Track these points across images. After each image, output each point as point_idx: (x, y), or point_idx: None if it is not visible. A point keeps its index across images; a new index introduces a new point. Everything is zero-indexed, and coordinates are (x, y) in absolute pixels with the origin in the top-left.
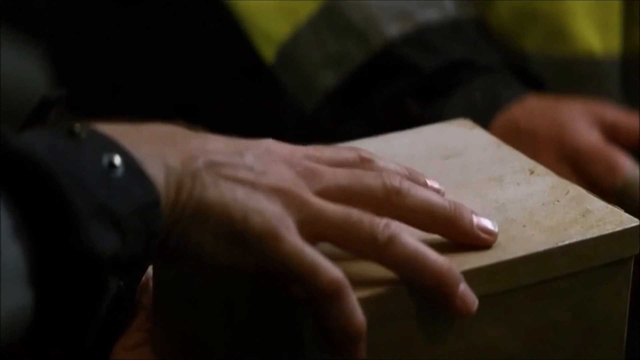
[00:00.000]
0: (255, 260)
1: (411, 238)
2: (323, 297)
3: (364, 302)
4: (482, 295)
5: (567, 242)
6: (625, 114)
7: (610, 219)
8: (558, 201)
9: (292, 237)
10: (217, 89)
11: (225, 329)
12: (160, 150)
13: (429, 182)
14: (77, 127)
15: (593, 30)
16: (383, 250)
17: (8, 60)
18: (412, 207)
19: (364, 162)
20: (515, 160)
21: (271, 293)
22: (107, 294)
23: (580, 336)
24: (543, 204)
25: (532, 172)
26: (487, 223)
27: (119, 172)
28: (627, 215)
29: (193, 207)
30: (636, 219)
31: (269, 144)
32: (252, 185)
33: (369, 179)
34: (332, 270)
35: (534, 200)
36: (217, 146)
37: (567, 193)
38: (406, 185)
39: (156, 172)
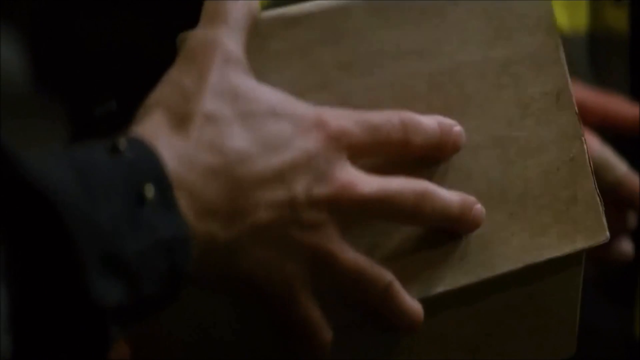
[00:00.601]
0: (267, 310)
1: (405, 295)
2: (310, 351)
3: None
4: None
5: (537, 260)
6: (592, 92)
7: (587, 223)
8: (558, 170)
9: (306, 304)
10: None
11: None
12: (204, 193)
13: (456, 133)
14: (122, 143)
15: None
16: (375, 306)
17: None
18: (430, 218)
19: (406, 142)
20: (553, 68)
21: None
22: (108, 345)
23: (534, 319)
24: (542, 171)
25: (558, 99)
26: (480, 219)
27: (150, 204)
28: (602, 221)
29: (221, 270)
30: (606, 233)
31: (320, 142)
32: (289, 245)
33: (402, 197)
34: (327, 334)
35: (538, 160)
36: (267, 176)
37: (570, 158)
38: (432, 200)
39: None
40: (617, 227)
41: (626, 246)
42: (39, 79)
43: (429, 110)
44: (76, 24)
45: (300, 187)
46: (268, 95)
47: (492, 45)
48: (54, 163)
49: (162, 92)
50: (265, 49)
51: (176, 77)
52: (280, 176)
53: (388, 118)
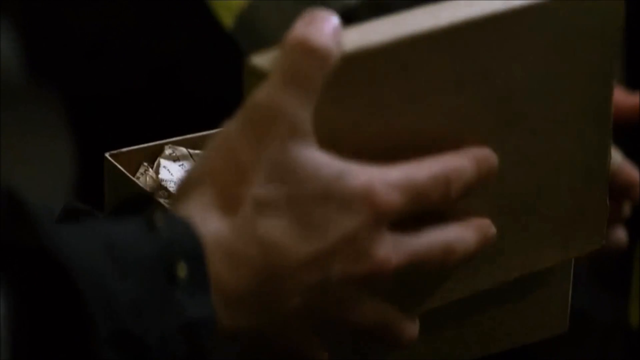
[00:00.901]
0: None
1: (407, 328)
2: None
3: None
4: None
5: (534, 269)
6: None
7: (589, 232)
8: (578, 183)
9: (316, 354)
10: (191, 54)
11: None
12: (237, 284)
13: (490, 165)
14: (159, 219)
15: None
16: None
17: None
18: (453, 266)
19: (447, 198)
20: (602, 83)
21: None
22: None
23: (527, 304)
24: (561, 184)
25: (596, 114)
26: (491, 242)
27: (180, 283)
28: (602, 230)
29: (237, 347)
30: (602, 241)
31: (366, 221)
32: (312, 319)
33: (430, 259)
34: None
35: (562, 173)
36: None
37: (592, 171)
38: (457, 252)
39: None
40: (612, 217)
41: (620, 235)
42: (33, 70)
43: (475, 133)
44: (70, 13)
45: (336, 269)
46: (322, 172)
47: (548, 61)
48: (83, 236)
49: (216, 162)
50: (329, 82)
51: (233, 145)
52: (318, 261)
53: (433, 176)
